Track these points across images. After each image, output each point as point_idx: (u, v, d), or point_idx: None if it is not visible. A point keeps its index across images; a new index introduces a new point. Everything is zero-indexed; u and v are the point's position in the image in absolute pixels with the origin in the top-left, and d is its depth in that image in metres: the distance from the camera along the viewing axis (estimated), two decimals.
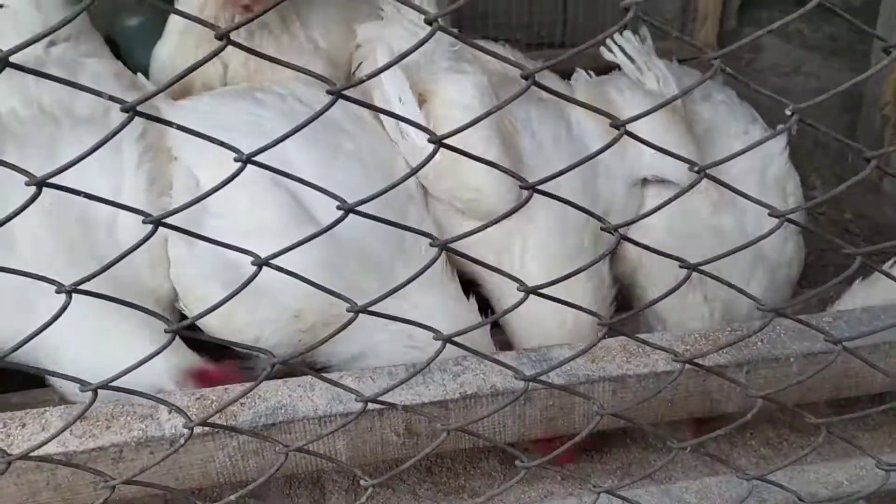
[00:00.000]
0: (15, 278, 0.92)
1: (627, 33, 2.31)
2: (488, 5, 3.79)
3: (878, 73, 2.82)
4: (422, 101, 1.95)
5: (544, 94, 1.15)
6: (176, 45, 2.20)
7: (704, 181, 1.05)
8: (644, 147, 1.07)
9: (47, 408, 1.43)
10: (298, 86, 2.01)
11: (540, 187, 0.99)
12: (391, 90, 1.98)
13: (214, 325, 1.65)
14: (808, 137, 3.38)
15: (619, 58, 2.26)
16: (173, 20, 2.24)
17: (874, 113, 3.08)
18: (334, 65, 2.30)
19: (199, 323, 1.58)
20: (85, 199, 0.92)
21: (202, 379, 1.58)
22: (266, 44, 2.17)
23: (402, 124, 1.94)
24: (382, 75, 2.03)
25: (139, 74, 2.13)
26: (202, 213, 1.69)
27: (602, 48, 2.29)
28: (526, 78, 0.95)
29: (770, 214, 1.08)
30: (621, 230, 1.05)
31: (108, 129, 1.82)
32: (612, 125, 0.99)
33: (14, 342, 0.90)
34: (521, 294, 1.05)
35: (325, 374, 1.28)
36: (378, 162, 1.90)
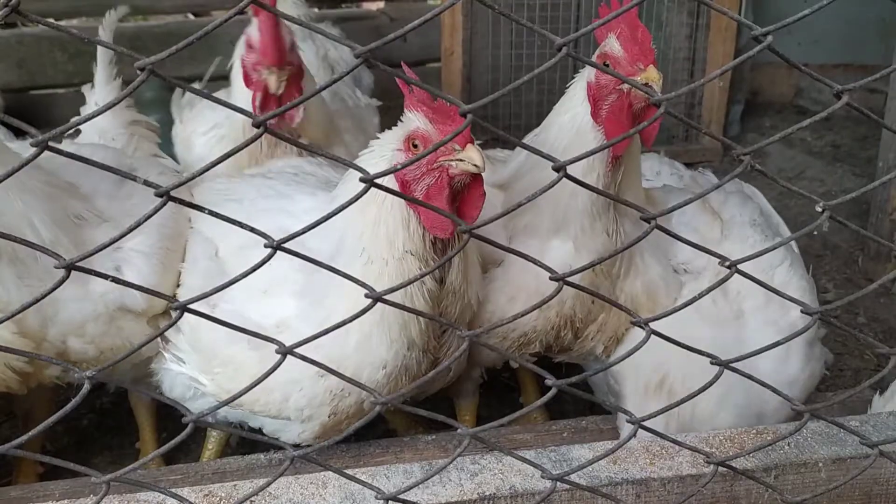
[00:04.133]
0: None
1: None
2: (489, 109, 3.91)
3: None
4: None
5: None
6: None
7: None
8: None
9: None
10: (302, 162, 2.12)
11: None
12: None
13: (264, 404, 1.65)
14: (817, 241, 3.40)
15: None
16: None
17: (883, 218, 3.11)
18: None
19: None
20: None
21: None
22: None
23: None
24: None
25: (168, 159, 2.21)
26: (224, 277, 1.70)
27: None
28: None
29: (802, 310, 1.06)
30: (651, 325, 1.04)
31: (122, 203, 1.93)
32: (642, 218, 1.00)
33: None
34: None
35: (344, 471, 1.23)
36: None
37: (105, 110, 0.88)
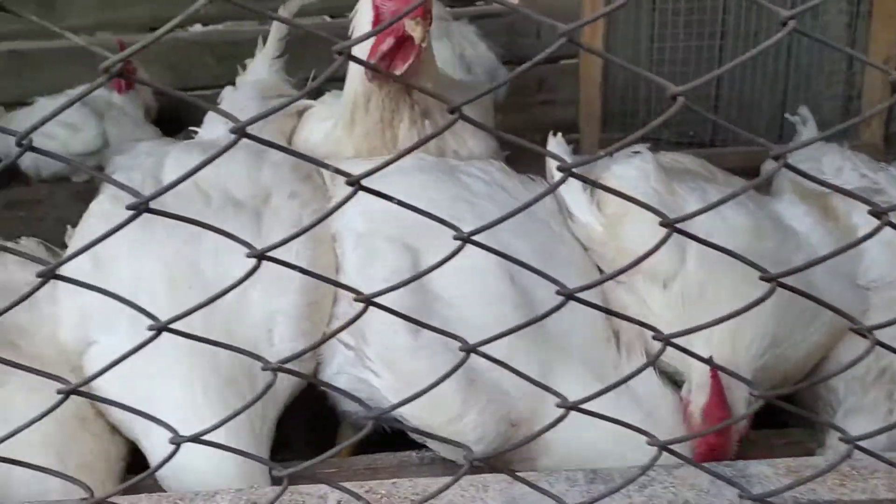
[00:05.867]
0: None
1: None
2: (629, 105, 3.77)
3: None
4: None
5: None
6: (328, 132, 2.24)
7: None
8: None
9: None
10: (493, 168, 1.99)
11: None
12: (557, 175, 1.98)
13: (439, 424, 1.58)
14: None
15: None
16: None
17: None
18: None
19: (414, 417, 1.52)
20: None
21: None
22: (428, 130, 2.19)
23: (569, 206, 1.93)
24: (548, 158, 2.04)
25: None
26: (433, 300, 1.63)
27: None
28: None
29: None
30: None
31: (258, 215, 1.92)
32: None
33: None
34: None
35: (523, 475, 1.18)
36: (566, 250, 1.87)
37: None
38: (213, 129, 2.39)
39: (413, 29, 1.94)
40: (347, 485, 1.42)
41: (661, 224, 0.89)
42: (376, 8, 2.03)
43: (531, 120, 3.93)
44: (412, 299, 1.57)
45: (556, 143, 2.08)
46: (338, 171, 0.88)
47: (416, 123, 2.11)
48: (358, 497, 1.19)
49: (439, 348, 1.60)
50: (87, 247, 0.85)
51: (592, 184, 0.94)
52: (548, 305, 1.63)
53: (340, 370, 1.79)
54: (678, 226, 0.87)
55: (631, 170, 1.89)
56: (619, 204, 1.82)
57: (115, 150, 3.47)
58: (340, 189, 1.99)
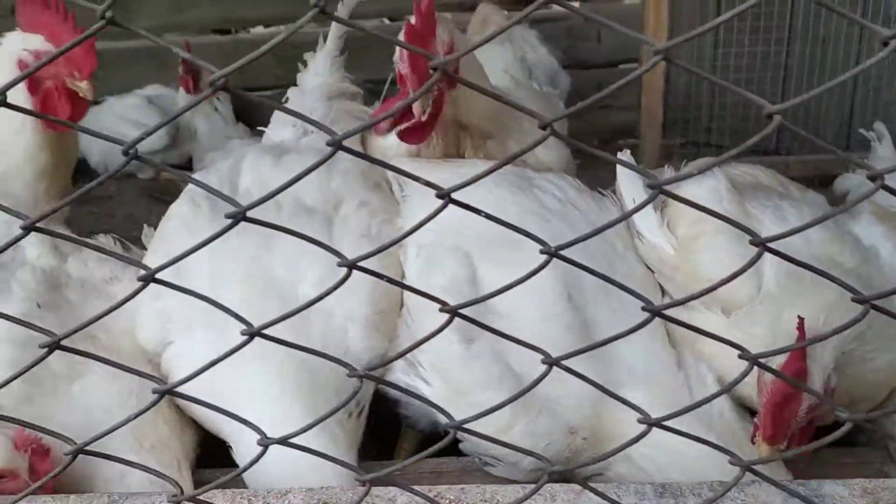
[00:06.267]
0: None
1: None
2: (691, 111, 3.72)
3: None
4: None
5: None
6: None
7: None
8: None
9: None
10: (566, 184, 1.99)
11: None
12: (626, 191, 1.96)
13: (488, 434, 1.58)
14: None
15: None
16: None
17: None
18: None
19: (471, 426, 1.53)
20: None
21: None
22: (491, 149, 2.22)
23: (638, 226, 1.91)
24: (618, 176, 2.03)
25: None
26: (487, 312, 1.62)
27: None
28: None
29: None
30: None
31: (329, 222, 1.95)
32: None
33: None
34: None
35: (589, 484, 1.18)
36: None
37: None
38: (280, 131, 2.43)
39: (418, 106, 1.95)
40: (417, 488, 1.44)
41: (752, 243, 0.88)
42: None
43: (590, 124, 3.90)
44: (468, 310, 1.59)
45: (627, 158, 2.07)
46: (428, 185, 0.90)
47: (479, 148, 2.16)
48: (429, 500, 1.20)
49: (491, 359, 1.64)
50: (184, 255, 0.87)
51: (682, 201, 0.94)
52: (601, 325, 1.65)
53: (393, 377, 1.82)
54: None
55: (703, 191, 1.85)
56: (690, 225, 1.81)
57: (204, 146, 3.56)
58: (412, 197, 2.01)
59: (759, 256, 0.88)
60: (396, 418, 1.98)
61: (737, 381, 0.93)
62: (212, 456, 1.85)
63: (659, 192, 0.87)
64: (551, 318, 1.67)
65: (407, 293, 1.81)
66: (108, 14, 0.81)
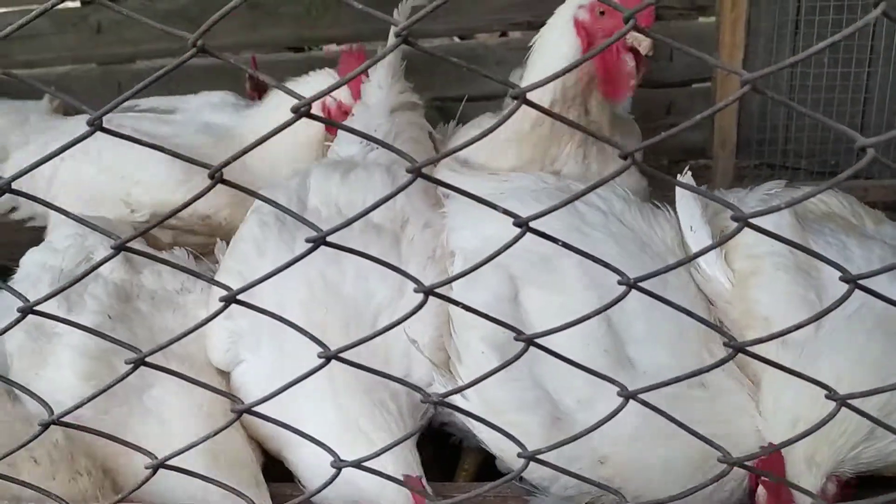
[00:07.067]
0: None
1: None
2: (766, 132, 3.63)
3: None
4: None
5: None
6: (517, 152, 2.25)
7: None
8: None
9: None
10: (613, 196, 1.95)
11: None
12: (683, 216, 1.92)
13: (511, 455, 1.58)
14: None
15: None
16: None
17: None
18: None
19: (497, 447, 1.53)
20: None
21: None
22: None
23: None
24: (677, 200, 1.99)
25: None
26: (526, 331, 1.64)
27: None
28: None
29: None
30: None
31: (397, 240, 1.95)
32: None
33: None
34: None
35: None
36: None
37: None
38: (347, 146, 2.46)
39: (639, 41, 1.95)
40: None
41: (842, 279, 0.85)
42: (585, 30, 2.03)
43: (659, 144, 3.82)
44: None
45: (687, 180, 2.02)
46: (506, 213, 0.89)
47: (582, 145, 2.16)
48: None
49: (528, 383, 1.63)
50: (265, 278, 0.89)
51: (773, 237, 0.91)
52: (640, 351, 1.62)
53: (432, 391, 1.83)
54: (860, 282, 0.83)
55: (765, 225, 1.80)
56: (747, 260, 1.76)
57: None
58: (452, 207, 2.02)
59: (849, 293, 0.85)
60: (459, 440, 1.98)
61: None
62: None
63: (745, 226, 0.85)
64: (590, 343, 1.64)
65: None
66: (200, 42, 0.84)
